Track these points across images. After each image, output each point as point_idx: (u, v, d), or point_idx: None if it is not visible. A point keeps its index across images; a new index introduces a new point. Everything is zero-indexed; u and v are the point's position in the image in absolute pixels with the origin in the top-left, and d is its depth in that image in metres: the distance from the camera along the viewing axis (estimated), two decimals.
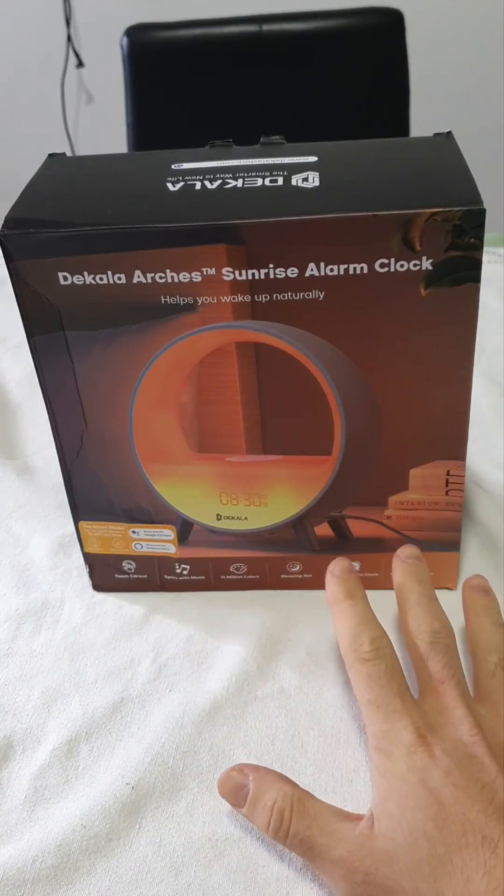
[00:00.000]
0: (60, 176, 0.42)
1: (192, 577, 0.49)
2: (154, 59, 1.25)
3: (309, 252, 0.37)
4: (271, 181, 0.38)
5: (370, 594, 0.49)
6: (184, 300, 0.39)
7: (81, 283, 0.38)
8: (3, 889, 0.36)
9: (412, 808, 0.33)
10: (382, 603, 0.48)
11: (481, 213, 0.36)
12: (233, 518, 0.46)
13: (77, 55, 2.03)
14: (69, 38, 2.00)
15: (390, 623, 0.47)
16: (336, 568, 0.43)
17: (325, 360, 0.40)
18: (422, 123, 1.29)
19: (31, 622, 0.48)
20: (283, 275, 0.38)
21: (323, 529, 0.47)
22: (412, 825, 0.32)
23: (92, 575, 0.50)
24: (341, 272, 0.38)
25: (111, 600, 0.50)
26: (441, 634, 0.39)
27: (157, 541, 0.48)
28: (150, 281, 0.38)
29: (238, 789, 0.37)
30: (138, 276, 0.38)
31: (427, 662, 0.38)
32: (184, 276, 0.38)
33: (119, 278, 0.38)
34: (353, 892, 0.33)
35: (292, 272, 0.38)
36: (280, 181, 0.38)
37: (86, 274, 0.38)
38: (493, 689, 0.38)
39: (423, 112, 1.39)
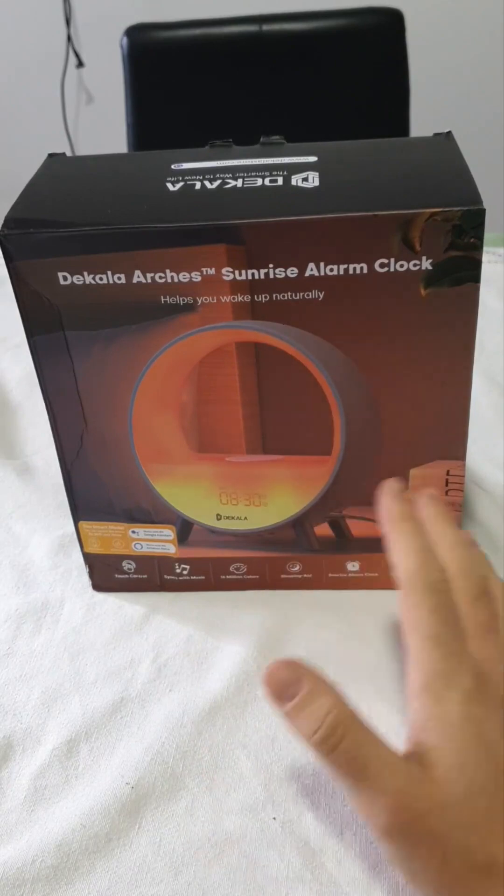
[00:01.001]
0: (60, 176, 0.42)
1: (192, 577, 0.49)
2: (154, 59, 1.25)
3: (309, 252, 0.37)
4: (271, 181, 0.38)
5: (370, 594, 0.49)
6: (184, 300, 0.39)
7: (81, 283, 0.38)
8: (3, 889, 0.36)
9: (472, 763, 0.31)
10: (383, 603, 0.48)
11: (481, 213, 0.36)
12: (233, 518, 0.46)
13: (77, 55, 2.03)
14: (69, 38, 2.00)
15: (388, 623, 0.47)
16: (393, 487, 0.41)
17: (325, 360, 0.40)
18: (422, 123, 1.28)
19: (31, 622, 0.48)
20: (283, 275, 0.38)
21: (323, 529, 0.47)
22: (471, 780, 0.31)
23: (92, 575, 0.50)
24: (341, 272, 0.38)
25: (111, 600, 0.50)
26: (490, 582, 0.37)
27: (157, 541, 0.48)
28: (150, 281, 0.38)
29: (287, 686, 0.35)
30: (138, 276, 0.38)
31: (476, 608, 0.36)
32: (184, 276, 0.38)
33: (119, 278, 0.38)
34: (394, 826, 0.31)
35: (292, 272, 0.38)
36: (280, 181, 0.38)
37: (86, 274, 0.38)
38: None
39: (423, 112, 1.39)
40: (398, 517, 0.39)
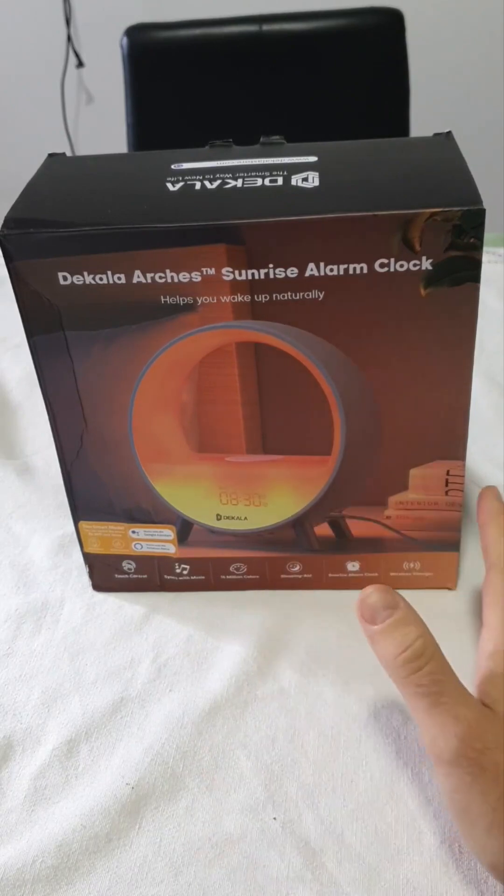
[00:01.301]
0: (60, 176, 0.42)
1: (192, 577, 0.49)
2: (154, 59, 1.25)
3: (309, 252, 0.37)
4: (271, 181, 0.38)
5: None
6: (184, 300, 0.39)
7: (81, 283, 0.38)
8: (3, 889, 0.36)
9: None
10: None
11: (481, 213, 0.36)
12: (233, 518, 0.46)
13: (77, 55, 2.03)
14: (69, 38, 2.00)
15: None
16: (493, 491, 0.46)
17: (325, 360, 0.40)
18: (422, 123, 1.28)
19: (31, 622, 0.48)
20: (283, 275, 0.38)
21: (323, 529, 0.47)
22: None
23: (92, 575, 0.50)
24: (341, 272, 0.38)
25: (111, 600, 0.50)
26: None
27: (156, 541, 0.48)
28: (150, 281, 0.38)
29: (380, 609, 0.36)
30: (138, 276, 0.38)
31: None
32: (184, 276, 0.38)
33: (119, 278, 0.38)
34: (462, 754, 0.33)
35: (292, 272, 0.38)
36: (280, 181, 0.38)
37: (86, 274, 0.38)
38: None
39: (423, 112, 1.39)
40: (496, 511, 0.44)
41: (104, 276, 0.38)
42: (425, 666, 0.34)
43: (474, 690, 0.36)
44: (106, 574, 0.50)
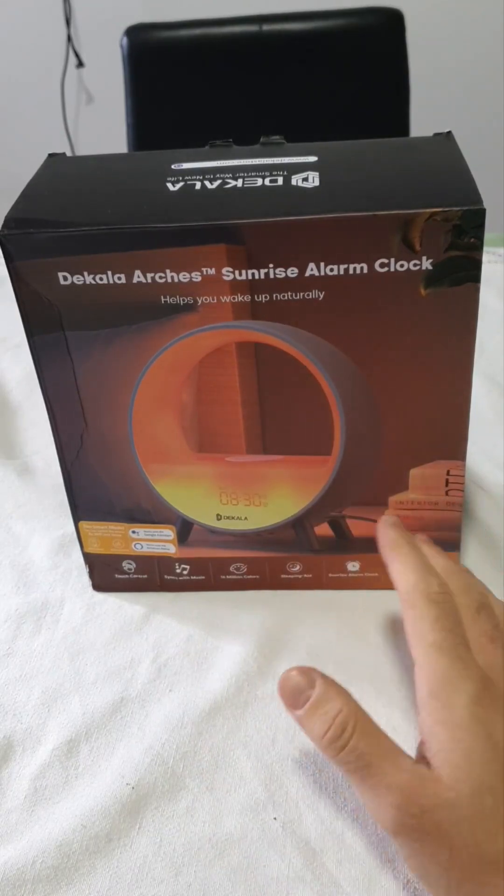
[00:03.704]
0: (60, 176, 0.42)
1: (192, 577, 0.49)
2: (154, 59, 1.25)
3: (309, 252, 0.37)
4: (271, 181, 0.38)
5: (370, 594, 0.49)
6: (184, 300, 0.39)
7: (81, 283, 0.38)
8: (3, 889, 0.36)
9: (479, 762, 0.32)
10: (383, 603, 0.48)
11: (481, 213, 0.36)
12: (233, 518, 0.46)
13: (77, 55, 2.02)
14: (69, 38, 2.00)
15: (388, 623, 0.47)
16: (388, 520, 0.43)
17: (325, 360, 0.40)
18: (422, 123, 1.28)
19: (31, 622, 0.48)
20: (283, 275, 0.38)
21: (323, 529, 0.47)
22: (479, 779, 0.32)
23: (92, 575, 0.50)
24: (341, 272, 0.38)
25: (111, 600, 0.50)
26: (488, 596, 0.39)
27: (157, 541, 0.48)
28: (150, 281, 0.38)
29: (299, 691, 0.36)
30: (138, 276, 0.38)
31: (478, 621, 0.37)
32: (184, 276, 0.38)
33: (119, 278, 0.38)
34: (401, 822, 0.32)
35: (292, 272, 0.38)
36: (280, 181, 0.38)
37: (86, 274, 0.38)
38: None
39: (423, 112, 1.39)
40: (396, 541, 0.41)
41: (104, 276, 0.38)
42: (349, 742, 0.34)
43: (417, 745, 0.35)
44: (106, 574, 0.50)
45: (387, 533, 0.41)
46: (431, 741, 0.33)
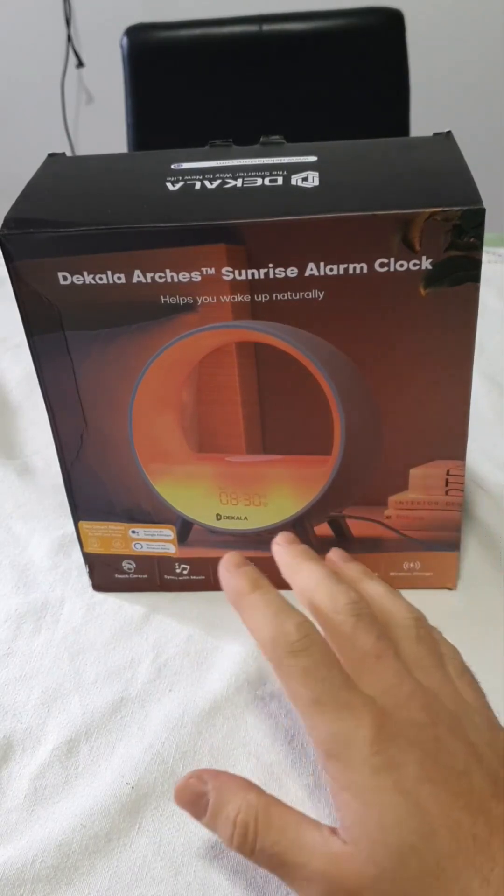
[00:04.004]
0: (60, 176, 0.42)
1: (192, 577, 0.49)
2: (154, 59, 1.25)
3: (308, 252, 0.37)
4: (271, 181, 0.38)
5: None
6: (184, 300, 0.39)
7: (81, 283, 0.38)
8: (3, 889, 0.36)
9: (394, 825, 0.29)
10: None
11: (481, 213, 0.36)
12: (233, 518, 0.46)
13: (77, 55, 2.03)
14: (69, 38, 2.00)
15: None
16: (230, 563, 0.37)
17: (325, 360, 0.40)
18: (422, 123, 1.28)
19: (31, 622, 0.48)
20: (283, 275, 0.38)
21: (323, 529, 0.47)
22: (397, 843, 0.29)
23: (92, 575, 0.50)
24: (341, 272, 0.38)
25: (111, 600, 0.50)
26: (361, 605, 0.35)
27: (156, 541, 0.48)
28: (149, 281, 0.38)
29: (197, 798, 0.33)
30: (138, 276, 0.38)
31: (356, 639, 0.33)
32: (184, 276, 0.38)
33: (119, 278, 0.38)
34: None
35: (292, 272, 0.38)
36: (280, 181, 0.38)
37: (86, 274, 0.38)
38: (421, 656, 0.34)
39: (423, 112, 1.39)
40: (239, 593, 0.36)
41: (104, 276, 0.38)
42: (255, 843, 0.31)
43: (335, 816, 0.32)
44: (106, 574, 0.50)
45: (229, 583, 0.37)
46: (343, 812, 0.30)
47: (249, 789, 0.33)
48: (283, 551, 0.40)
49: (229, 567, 0.37)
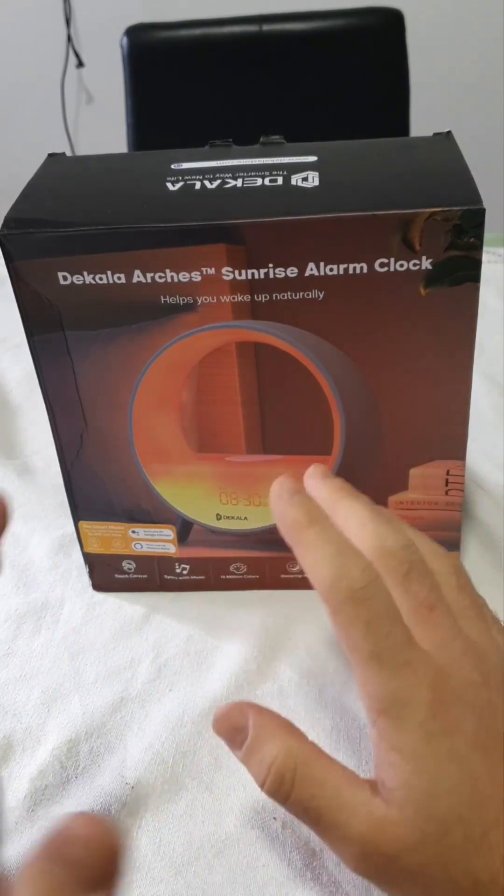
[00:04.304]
0: (60, 176, 0.42)
1: (192, 577, 0.49)
2: (154, 59, 1.25)
3: (308, 252, 0.37)
4: (271, 181, 0.38)
5: None
6: (184, 300, 0.39)
7: (81, 282, 0.38)
8: None
9: (444, 793, 0.28)
10: None
11: (481, 213, 0.36)
12: (233, 518, 0.46)
13: (77, 55, 2.03)
14: (69, 38, 2.00)
15: None
16: (283, 489, 0.34)
17: (325, 360, 0.40)
18: (422, 123, 1.28)
19: (31, 622, 0.48)
20: (283, 274, 0.38)
21: None
22: (445, 813, 0.28)
23: (92, 575, 0.50)
24: (341, 272, 0.38)
25: (111, 600, 0.50)
26: (413, 549, 0.32)
27: (156, 541, 0.48)
28: (149, 281, 0.38)
29: (236, 731, 0.32)
30: (138, 276, 0.38)
31: (409, 586, 0.31)
32: (183, 276, 0.38)
33: (119, 278, 0.38)
34: (366, 872, 0.29)
35: (292, 272, 0.38)
36: (280, 181, 0.38)
37: (86, 274, 0.38)
38: (465, 605, 0.33)
39: (423, 112, 1.39)
40: (296, 526, 0.33)
41: (104, 276, 0.38)
42: (290, 794, 0.30)
43: (374, 770, 0.30)
44: (106, 574, 0.50)
45: (285, 513, 0.33)
46: (389, 773, 0.29)
47: (291, 734, 0.31)
48: (320, 485, 0.36)
49: (283, 494, 0.34)
